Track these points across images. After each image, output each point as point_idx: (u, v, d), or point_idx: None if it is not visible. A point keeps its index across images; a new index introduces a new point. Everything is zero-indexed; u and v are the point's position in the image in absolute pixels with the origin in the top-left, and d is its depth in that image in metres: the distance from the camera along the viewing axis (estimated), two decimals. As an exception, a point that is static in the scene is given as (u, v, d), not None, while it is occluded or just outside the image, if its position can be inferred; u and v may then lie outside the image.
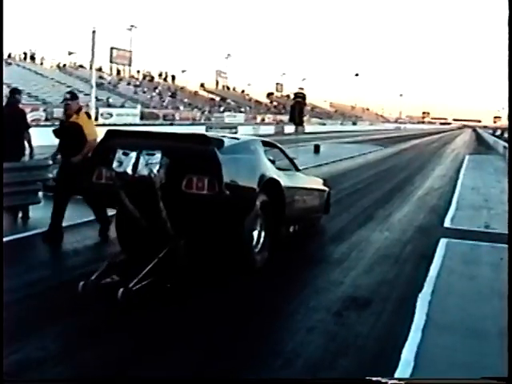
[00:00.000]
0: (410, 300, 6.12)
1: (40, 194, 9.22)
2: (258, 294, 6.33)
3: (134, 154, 5.91)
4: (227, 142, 6.74)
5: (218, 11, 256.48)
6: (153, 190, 5.87)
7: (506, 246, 8.76)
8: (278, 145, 8.82)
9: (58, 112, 41.11)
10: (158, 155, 5.90)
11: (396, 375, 4.30)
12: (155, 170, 5.84)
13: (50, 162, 9.14)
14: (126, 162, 5.89)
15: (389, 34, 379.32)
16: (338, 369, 4.48)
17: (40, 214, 9.00)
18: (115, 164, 5.94)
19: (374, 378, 2.94)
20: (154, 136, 7.27)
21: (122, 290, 5.43)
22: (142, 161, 5.88)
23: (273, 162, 7.70)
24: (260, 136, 11.39)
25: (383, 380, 2.93)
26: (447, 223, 10.86)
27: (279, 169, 7.82)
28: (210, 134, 7.97)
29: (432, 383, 3.88)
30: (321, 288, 6.55)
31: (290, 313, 5.83)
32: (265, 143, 7.95)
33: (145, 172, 5.86)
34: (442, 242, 8.98)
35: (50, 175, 9.38)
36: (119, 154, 5.95)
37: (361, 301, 6.07)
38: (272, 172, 7.27)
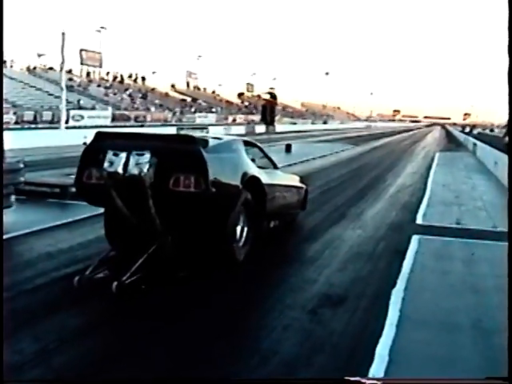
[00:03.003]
0: (383, 296, 6.19)
1: (12, 197, 9.11)
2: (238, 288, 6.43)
3: (124, 155, 6.11)
4: (211, 142, 7.02)
5: (187, 12, 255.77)
6: (143, 189, 6.08)
7: (477, 241, 8.99)
8: (258, 144, 9.00)
9: (29, 115, 40.88)
10: (148, 155, 6.10)
11: (371, 370, 4.35)
12: (145, 170, 6.04)
13: (22, 166, 9.08)
14: (117, 162, 6.09)
15: (358, 33, 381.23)
16: (314, 365, 4.53)
17: (12, 218, 8.91)
18: (106, 164, 6.12)
19: (352, 378, 2.97)
20: (143, 137, 7.57)
21: (115, 283, 5.73)
22: (132, 161, 6.08)
23: (253, 160, 7.92)
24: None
25: (362, 380, 2.96)
26: (419, 220, 10.99)
27: (259, 167, 8.05)
28: (195, 134, 8.22)
29: (423, 383, 3.91)
30: (296, 286, 6.60)
31: (267, 310, 5.88)
32: (246, 143, 8.22)
33: (135, 171, 6.06)
34: (415, 238, 9.10)
35: (22, 179, 9.30)
36: (110, 154, 6.14)
37: (335, 298, 6.13)
38: (253, 170, 7.58)
